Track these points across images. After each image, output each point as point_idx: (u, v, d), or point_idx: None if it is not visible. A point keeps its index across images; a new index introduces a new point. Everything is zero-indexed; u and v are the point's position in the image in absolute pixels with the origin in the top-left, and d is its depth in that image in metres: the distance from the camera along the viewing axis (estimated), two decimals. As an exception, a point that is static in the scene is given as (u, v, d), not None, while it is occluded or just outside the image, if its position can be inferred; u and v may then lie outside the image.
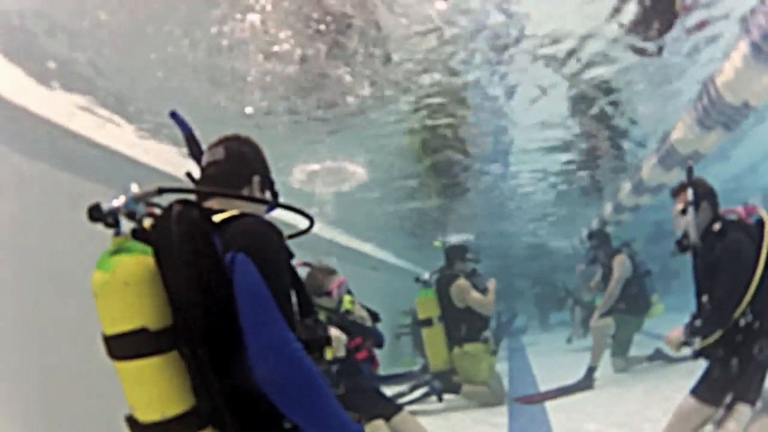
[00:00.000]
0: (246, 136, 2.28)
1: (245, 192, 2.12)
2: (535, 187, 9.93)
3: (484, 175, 8.68)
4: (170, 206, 1.80)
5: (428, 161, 7.68)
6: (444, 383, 6.69)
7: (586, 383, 6.64)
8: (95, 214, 1.77)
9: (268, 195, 2.23)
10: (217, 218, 1.85)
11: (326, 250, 9.46)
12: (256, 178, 2.16)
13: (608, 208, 11.24)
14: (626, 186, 9.52)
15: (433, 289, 6.89)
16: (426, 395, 6.85)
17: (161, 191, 1.83)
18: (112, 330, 1.73)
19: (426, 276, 7.01)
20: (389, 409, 4.63)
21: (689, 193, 3.43)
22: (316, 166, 7.02)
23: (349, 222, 10.20)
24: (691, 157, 6.64)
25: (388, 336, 10.66)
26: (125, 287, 1.73)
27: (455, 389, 6.62)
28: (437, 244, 7.70)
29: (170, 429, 1.74)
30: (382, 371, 6.39)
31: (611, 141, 7.57)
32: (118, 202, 1.79)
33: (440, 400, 6.57)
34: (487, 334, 6.84)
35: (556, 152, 7.79)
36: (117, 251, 1.78)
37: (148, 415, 1.75)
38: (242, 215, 1.87)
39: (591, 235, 7.82)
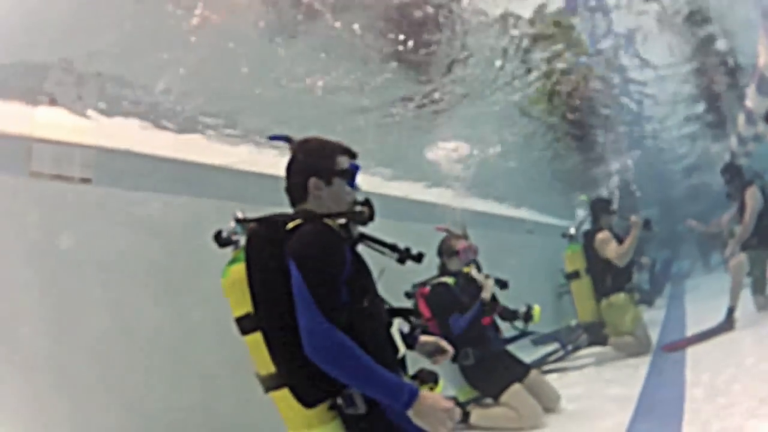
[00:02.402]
0: (303, 138, 2.58)
1: (309, 196, 2.48)
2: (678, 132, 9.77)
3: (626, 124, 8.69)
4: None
5: (566, 118, 7.78)
6: (592, 335, 6.91)
7: (727, 325, 6.49)
8: (216, 238, 2.53)
9: (338, 183, 2.50)
10: (290, 226, 2.36)
11: (479, 221, 9.80)
12: (311, 181, 2.47)
13: (733, 141, 10.72)
14: (741, 117, 9.10)
15: (581, 243, 7.09)
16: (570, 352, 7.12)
17: (237, 221, 2.51)
18: (235, 315, 2.45)
19: (572, 230, 7.28)
20: (520, 371, 4.88)
21: None
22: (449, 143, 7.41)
23: (499, 189, 10.49)
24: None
25: (549, 297, 10.94)
26: (234, 286, 2.43)
27: (602, 341, 6.78)
28: (583, 198, 7.84)
29: (268, 384, 2.43)
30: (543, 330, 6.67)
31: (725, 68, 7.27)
32: (227, 227, 2.52)
33: (562, 357, 6.90)
34: (632, 285, 6.90)
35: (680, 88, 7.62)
36: (232, 261, 2.50)
37: (260, 371, 2.45)
38: (304, 223, 2.34)
39: (723, 170, 7.50)
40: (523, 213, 12.55)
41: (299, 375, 2.29)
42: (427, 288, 4.93)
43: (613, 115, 8.16)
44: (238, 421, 4.27)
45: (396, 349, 2.47)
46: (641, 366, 5.98)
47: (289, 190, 2.55)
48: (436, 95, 5.80)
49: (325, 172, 2.49)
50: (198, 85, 4.33)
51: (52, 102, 3.75)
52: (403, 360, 2.55)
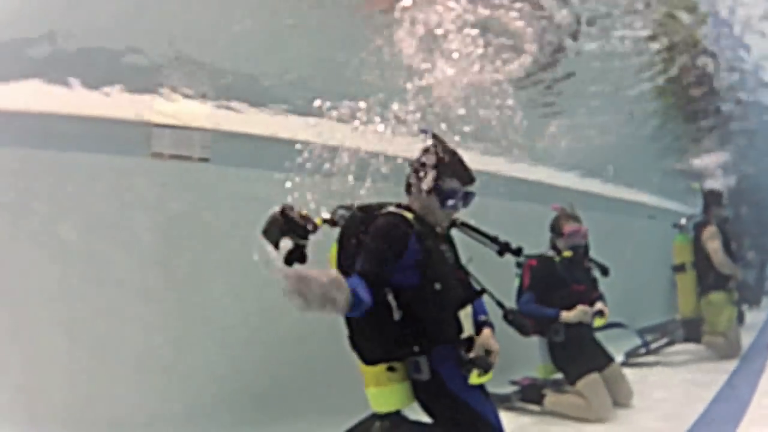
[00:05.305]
0: (444, 145, 2.84)
1: (413, 189, 2.85)
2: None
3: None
4: None
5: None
6: (688, 331, 6.74)
7: None
8: (326, 220, 2.75)
9: (432, 198, 2.79)
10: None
11: (597, 204, 9.59)
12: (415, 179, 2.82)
13: None
14: None
15: (691, 235, 6.86)
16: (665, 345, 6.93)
17: (340, 207, 2.82)
18: None
19: (683, 221, 7.02)
20: (603, 361, 4.93)
21: None
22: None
23: (624, 173, 10.17)
24: None
25: (666, 285, 10.60)
26: (330, 260, 2.87)
27: (697, 338, 6.62)
28: (695, 186, 7.54)
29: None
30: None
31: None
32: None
33: (647, 352, 6.69)
34: (733, 284, 6.64)
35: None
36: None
37: None
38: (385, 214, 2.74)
39: None
40: (645, 197, 12.12)
41: (359, 338, 2.77)
42: (535, 260, 5.04)
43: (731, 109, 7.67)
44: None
45: (460, 330, 2.77)
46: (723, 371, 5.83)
47: (408, 178, 2.90)
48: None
49: (429, 181, 2.79)
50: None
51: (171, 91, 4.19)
52: (469, 339, 2.80)
